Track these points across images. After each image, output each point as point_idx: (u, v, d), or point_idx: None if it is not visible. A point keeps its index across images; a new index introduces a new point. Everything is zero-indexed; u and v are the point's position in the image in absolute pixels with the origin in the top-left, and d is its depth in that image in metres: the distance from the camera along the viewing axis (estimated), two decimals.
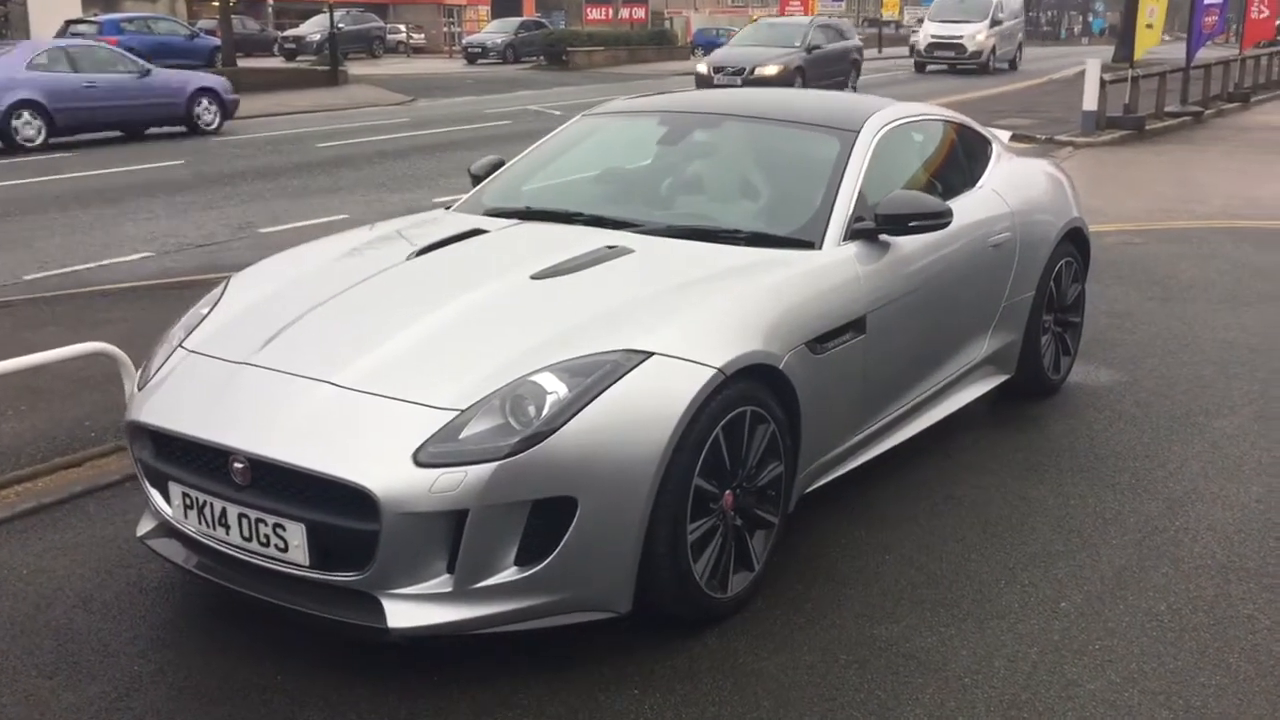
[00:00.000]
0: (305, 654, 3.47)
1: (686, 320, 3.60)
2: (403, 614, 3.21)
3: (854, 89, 25.29)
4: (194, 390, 3.62)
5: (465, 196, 5.11)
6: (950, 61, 32.33)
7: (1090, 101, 16.45)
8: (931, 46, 32.53)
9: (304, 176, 13.58)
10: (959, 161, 5.31)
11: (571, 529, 3.23)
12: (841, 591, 3.80)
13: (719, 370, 3.44)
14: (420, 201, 11.76)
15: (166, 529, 3.70)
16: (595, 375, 3.31)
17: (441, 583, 3.22)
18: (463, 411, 3.25)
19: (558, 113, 20.34)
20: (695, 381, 3.39)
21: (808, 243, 4.21)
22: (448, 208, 5.08)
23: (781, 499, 3.82)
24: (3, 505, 4.56)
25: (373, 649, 3.43)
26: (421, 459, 3.16)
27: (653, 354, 3.40)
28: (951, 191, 5.01)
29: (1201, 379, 5.93)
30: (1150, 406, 5.54)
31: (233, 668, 3.42)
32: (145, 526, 3.81)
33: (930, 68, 32.98)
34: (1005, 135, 6.16)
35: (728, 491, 3.58)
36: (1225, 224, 10.38)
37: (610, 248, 4.13)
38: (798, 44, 25.03)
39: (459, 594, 3.22)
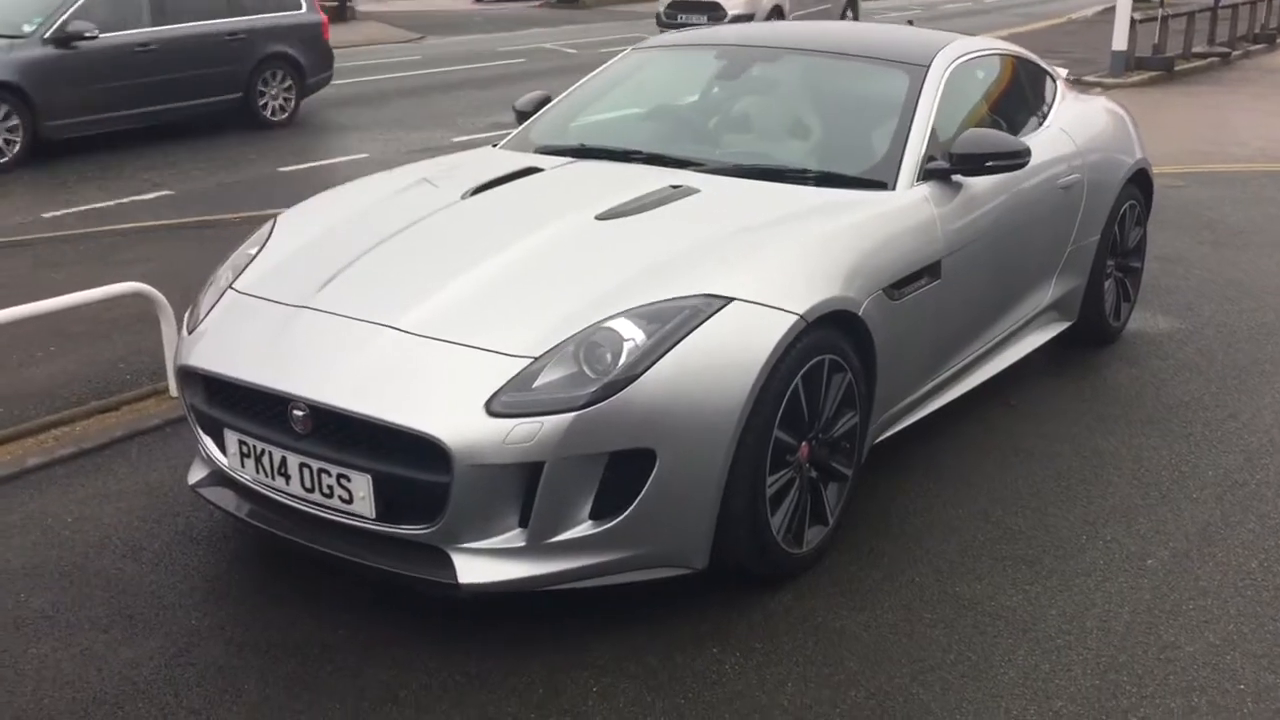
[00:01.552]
0: (368, 608, 3.35)
1: (764, 264, 3.43)
2: (473, 569, 3.08)
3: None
4: (249, 334, 3.46)
5: (512, 133, 4.91)
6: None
7: (1120, 41, 16.06)
8: (676, 6, 21.01)
9: (320, 114, 13.32)
10: (1027, 99, 5.10)
11: (650, 482, 3.09)
12: (917, 547, 3.67)
13: (800, 317, 3.28)
14: (440, 140, 11.52)
15: (219, 477, 3.56)
16: (674, 321, 3.15)
17: (514, 537, 3.09)
18: (536, 359, 3.09)
19: (572, 50, 19.96)
20: (777, 329, 3.23)
21: (880, 183, 4.02)
22: (494, 145, 4.89)
23: (856, 450, 3.68)
24: (41, 450, 4.42)
25: (441, 604, 3.30)
26: (494, 409, 3.01)
27: (732, 299, 3.23)
28: (1020, 130, 4.81)
29: (1264, 326, 5.76)
30: (1213, 355, 5.37)
31: (292, 621, 3.30)
32: (197, 474, 3.67)
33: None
34: (1063, 72, 5.94)
35: (804, 443, 3.43)
36: (1266, 167, 10.14)
37: (675, 187, 3.95)
38: None
39: (532, 549, 3.08)
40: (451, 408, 3.03)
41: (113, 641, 3.21)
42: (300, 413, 3.20)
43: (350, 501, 3.16)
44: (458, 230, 3.81)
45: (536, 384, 3.06)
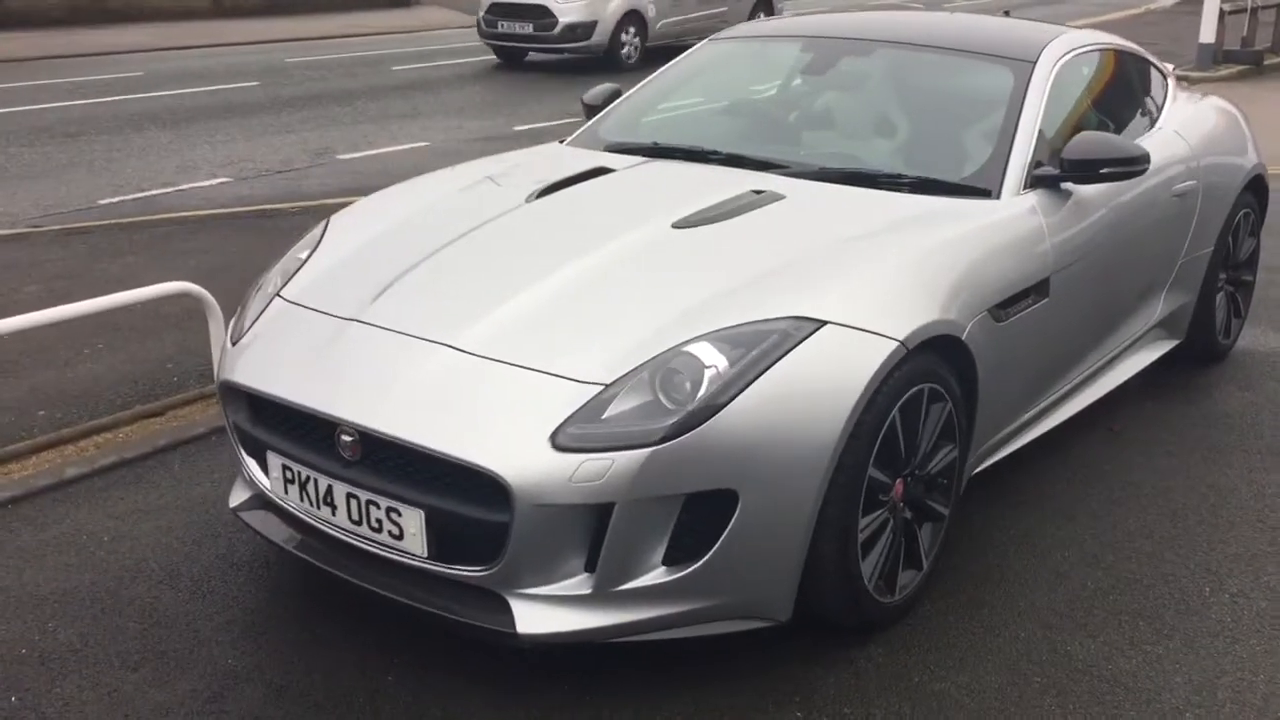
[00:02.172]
0: (419, 653, 3.07)
1: (859, 282, 3.10)
2: (533, 617, 2.79)
3: None
4: (295, 348, 3.19)
5: (580, 129, 4.61)
6: (526, 44, 15.93)
7: (1207, 34, 15.43)
8: (495, 9, 15.97)
9: (381, 101, 13.11)
10: (1137, 97, 4.71)
11: (730, 526, 2.78)
12: (1021, 595, 3.33)
13: (901, 343, 2.94)
14: (500, 129, 11.26)
15: (262, 501, 3.31)
16: (761, 347, 2.83)
17: (579, 583, 2.79)
18: (607, 386, 2.79)
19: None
20: (875, 356, 2.90)
21: (984, 190, 3.67)
22: (561, 140, 4.59)
23: (953, 487, 3.34)
24: (82, 460, 4.20)
25: (497, 653, 3.01)
26: (561, 442, 2.71)
27: (825, 322, 2.90)
28: (1131, 132, 4.43)
29: None
30: None
31: (336, 665, 3.03)
32: (239, 497, 3.42)
33: (512, 54, 16.45)
34: (1170, 68, 5.53)
35: (899, 480, 3.10)
36: None
37: (757, 193, 3.63)
38: None
39: (598, 597, 2.79)
40: (513, 440, 2.74)
41: (142, 682, 2.96)
42: (349, 438, 2.92)
43: (400, 537, 2.88)
44: (523, 237, 3.51)
45: (607, 414, 2.76)
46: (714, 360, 2.81)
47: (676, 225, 3.41)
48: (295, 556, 3.17)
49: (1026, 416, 3.81)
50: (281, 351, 3.21)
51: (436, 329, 3.05)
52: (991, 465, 3.72)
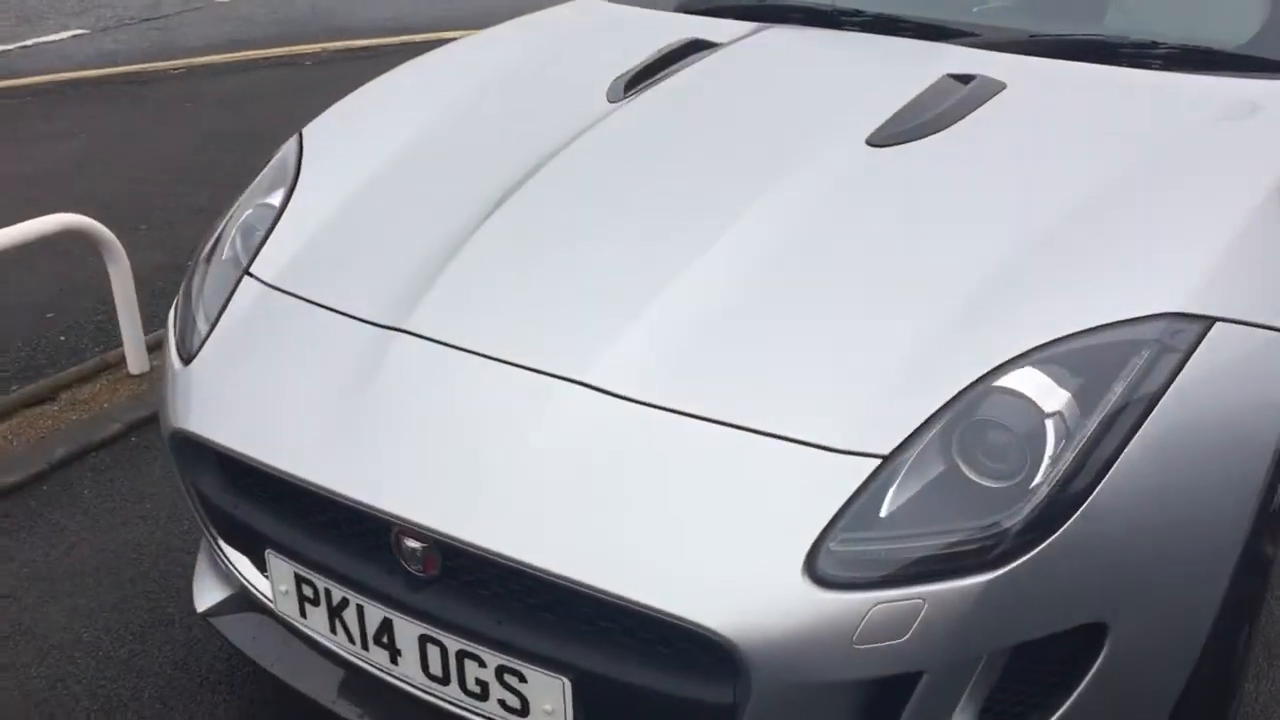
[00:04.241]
0: None
1: (1222, 237, 1.93)
2: None
3: None
4: (306, 382, 1.93)
5: None
6: None
7: None
8: None
9: None
10: None
11: (1090, 676, 1.67)
12: None
13: None
14: None
15: (250, 603, 2.09)
16: (1126, 371, 1.67)
17: None
18: (884, 461, 1.62)
19: None
20: None
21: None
22: None
23: None
24: None
25: None
26: (825, 570, 1.55)
27: (1213, 319, 1.75)
28: None
29: None
30: None
31: None
32: (208, 596, 2.19)
33: None
34: None
35: None
36: None
37: (959, 79, 2.38)
38: None
39: None
40: (736, 569, 1.57)
41: None
42: (416, 544, 1.72)
43: (524, 713, 1.72)
44: (633, 173, 2.23)
45: (888, 511, 1.60)
46: (1052, 401, 1.64)
47: (873, 142, 2.19)
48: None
49: None
50: (283, 388, 1.94)
51: (544, 352, 1.82)
52: None
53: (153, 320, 3.64)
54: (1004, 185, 2.05)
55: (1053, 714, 1.68)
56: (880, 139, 2.18)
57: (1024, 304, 1.76)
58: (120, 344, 3.45)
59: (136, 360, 3.44)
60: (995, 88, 2.34)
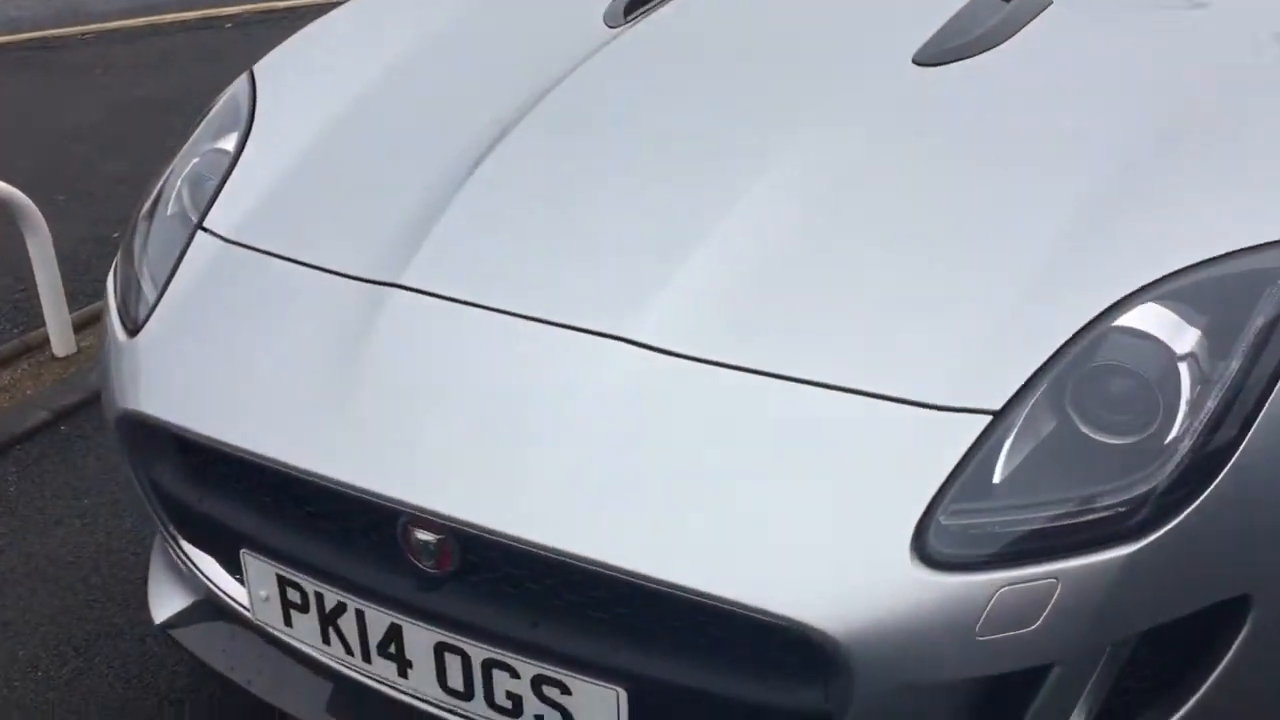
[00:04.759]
0: None
1: None
2: None
3: None
4: (284, 350, 1.63)
5: None
6: None
7: None
8: None
9: None
10: None
11: (1229, 657, 1.43)
12: None
13: None
14: None
15: (221, 610, 1.79)
16: (1262, 305, 1.43)
17: None
18: (995, 417, 1.36)
19: None
20: None
21: None
22: None
23: None
24: None
25: None
26: (937, 549, 1.30)
27: None
28: None
29: None
30: None
31: None
32: (166, 605, 1.88)
33: None
34: None
35: None
36: None
37: None
38: None
39: None
40: (833, 551, 1.31)
41: None
42: (428, 536, 1.44)
43: None
44: (642, 108, 1.92)
45: (1002, 477, 1.34)
46: (1184, 340, 1.40)
47: (921, 61, 1.93)
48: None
49: None
50: (254, 358, 1.63)
51: (588, 306, 1.53)
52: None
53: (78, 298, 3.29)
54: (1078, 105, 1.80)
55: (1179, 708, 1.45)
56: (928, 57, 1.91)
57: (1129, 236, 1.51)
58: (43, 324, 3.10)
59: (62, 341, 3.09)
60: (1042, 2, 2.09)
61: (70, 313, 3.14)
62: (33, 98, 5.28)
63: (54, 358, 3.06)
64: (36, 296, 3.08)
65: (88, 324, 3.18)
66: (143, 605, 2.01)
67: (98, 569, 2.30)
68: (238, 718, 1.97)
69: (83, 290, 3.35)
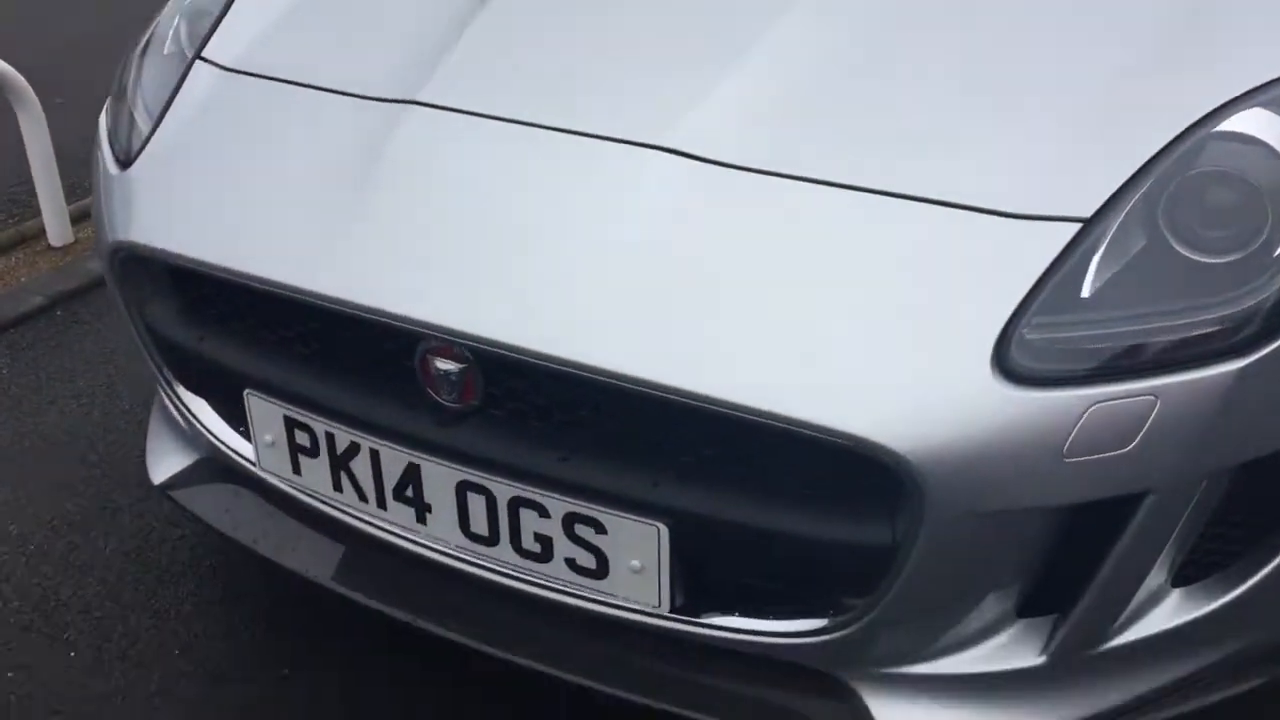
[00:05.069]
0: None
1: None
2: None
3: None
4: (292, 172, 1.49)
5: None
6: None
7: None
8: None
9: None
10: None
11: None
12: None
13: None
14: None
15: (226, 468, 1.66)
16: None
17: (1012, 648, 1.30)
18: (1085, 225, 1.22)
19: None
20: None
21: None
22: None
23: None
24: None
25: None
26: (1019, 362, 1.16)
27: None
28: None
29: None
30: None
31: None
32: (165, 464, 1.75)
33: None
34: None
35: None
36: None
37: None
38: None
39: (1057, 670, 1.31)
40: (905, 365, 1.18)
41: None
42: (448, 366, 1.30)
43: (601, 574, 1.32)
44: None
45: (1091, 290, 1.20)
46: None
47: None
48: (338, 594, 1.57)
49: None
50: (258, 181, 1.49)
51: (621, 116, 1.39)
52: None
53: (76, 192, 3.14)
54: None
55: (1269, 561, 1.32)
56: None
57: (1234, 37, 1.36)
58: (39, 214, 2.96)
59: (58, 231, 2.95)
60: None
61: (69, 205, 3.00)
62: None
63: (50, 247, 2.93)
64: (32, 187, 2.95)
65: (86, 216, 3.04)
66: (141, 482, 1.90)
67: (94, 447, 2.18)
68: (239, 588, 1.85)
69: (81, 185, 3.20)
